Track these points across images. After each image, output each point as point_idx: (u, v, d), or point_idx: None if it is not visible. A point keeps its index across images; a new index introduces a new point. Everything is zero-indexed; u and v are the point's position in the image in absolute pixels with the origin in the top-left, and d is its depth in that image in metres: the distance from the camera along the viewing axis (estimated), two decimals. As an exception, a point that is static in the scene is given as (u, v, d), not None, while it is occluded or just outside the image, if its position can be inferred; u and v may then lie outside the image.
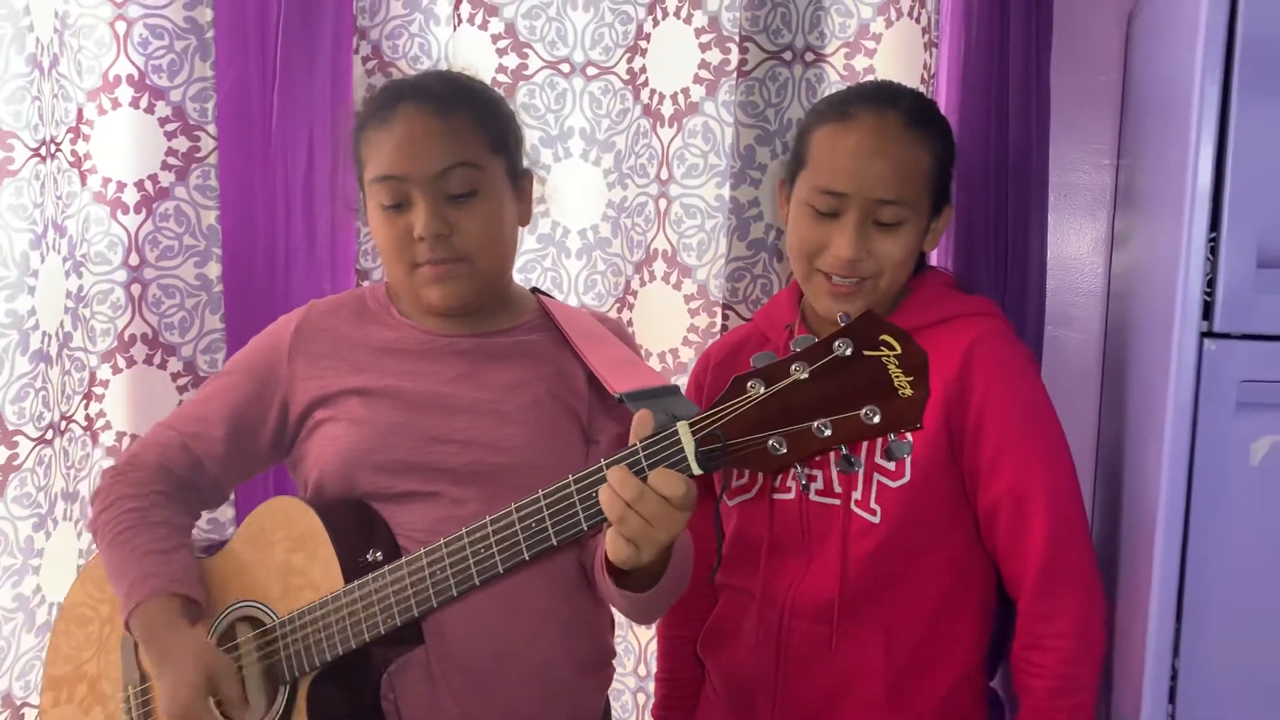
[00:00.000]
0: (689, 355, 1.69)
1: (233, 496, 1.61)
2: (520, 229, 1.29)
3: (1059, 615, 1.19)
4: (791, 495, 1.27)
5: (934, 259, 1.47)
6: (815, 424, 0.92)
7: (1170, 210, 1.14)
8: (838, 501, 1.25)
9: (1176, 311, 1.08)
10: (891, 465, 1.23)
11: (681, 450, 0.97)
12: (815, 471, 1.26)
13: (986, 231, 1.52)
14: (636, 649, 1.74)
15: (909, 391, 0.90)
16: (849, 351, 0.91)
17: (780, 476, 1.28)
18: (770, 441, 0.94)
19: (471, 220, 1.19)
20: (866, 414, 0.91)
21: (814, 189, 1.25)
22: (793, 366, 0.93)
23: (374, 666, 1.15)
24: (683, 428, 0.97)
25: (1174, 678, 1.11)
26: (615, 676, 1.73)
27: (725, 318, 1.64)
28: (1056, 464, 1.22)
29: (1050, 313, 1.60)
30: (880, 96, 1.27)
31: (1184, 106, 1.09)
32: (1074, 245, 1.67)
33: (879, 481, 1.23)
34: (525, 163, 1.30)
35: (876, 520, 1.23)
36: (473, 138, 1.20)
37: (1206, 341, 1.07)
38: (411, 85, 1.24)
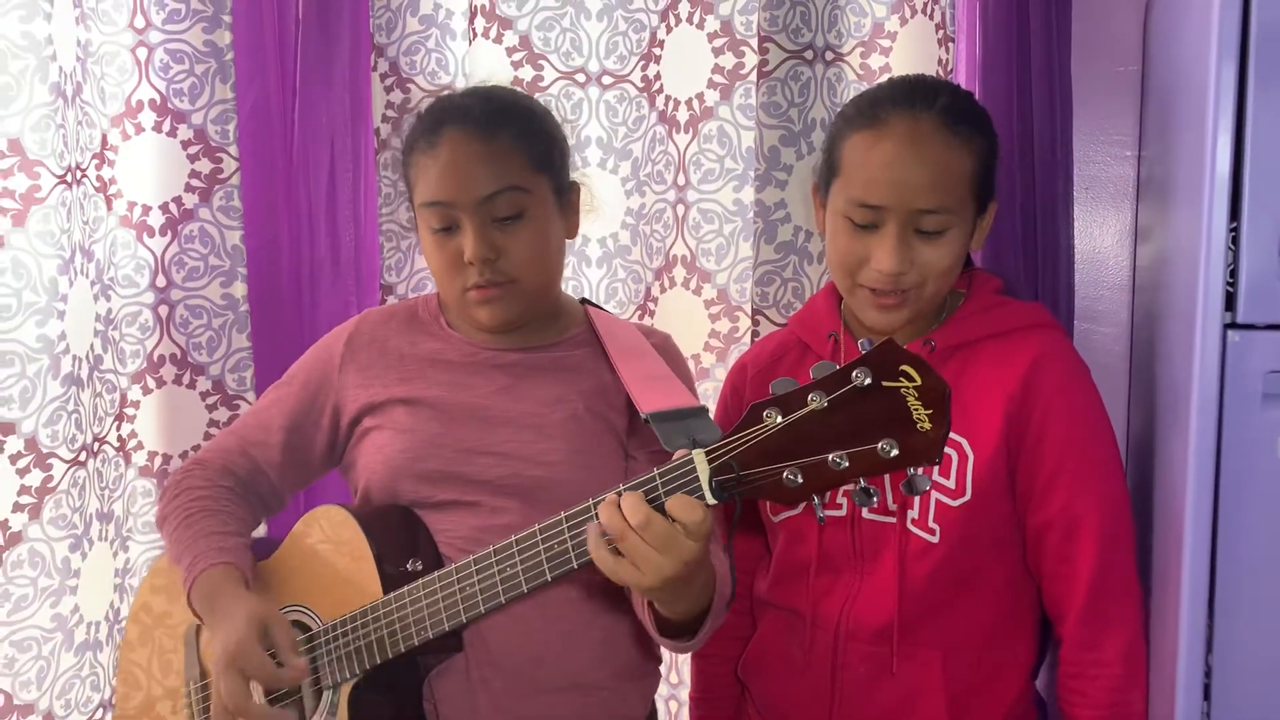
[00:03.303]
0: (710, 360, 1.69)
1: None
2: (568, 240, 1.29)
3: (1106, 643, 1.17)
4: (843, 512, 1.23)
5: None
6: (832, 456, 0.90)
7: (1190, 201, 1.12)
8: (893, 520, 1.21)
9: (1199, 303, 1.06)
10: (932, 491, 1.18)
11: (697, 479, 0.96)
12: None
13: (1014, 228, 1.50)
14: (668, 655, 1.74)
15: (928, 426, 0.88)
16: (868, 381, 0.88)
17: (830, 493, 1.26)
18: (786, 473, 0.92)
19: (518, 243, 1.20)
20: (884, 447, 0.88)
21: (850, 201, 1.19)
22: (810, 396, 0.90)
23: (415, 672, 1.17)
24: (698, 456, 0.96)
25: (1208, 674, 1.09)
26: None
27: (756, 323, 1.63)
28: (1111, 488, 1.19)
29: (1078, 307, 1.58)
30: (913, 97, 1.19)
31: (1200, 95, 1.07)
32: (1099, 239, 1.65)
33: (938, 500, 1.19)
34: (572, 174, 1.30)
35: (935, 540, 1.19)
36: (517, 159, 1.20)
37: (1230, 333, 1.05)
38: (455, 108, 1.24)
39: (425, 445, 1.21)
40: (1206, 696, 1.09)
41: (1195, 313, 1.06)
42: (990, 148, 1.23)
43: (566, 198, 1.28)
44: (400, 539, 1.19)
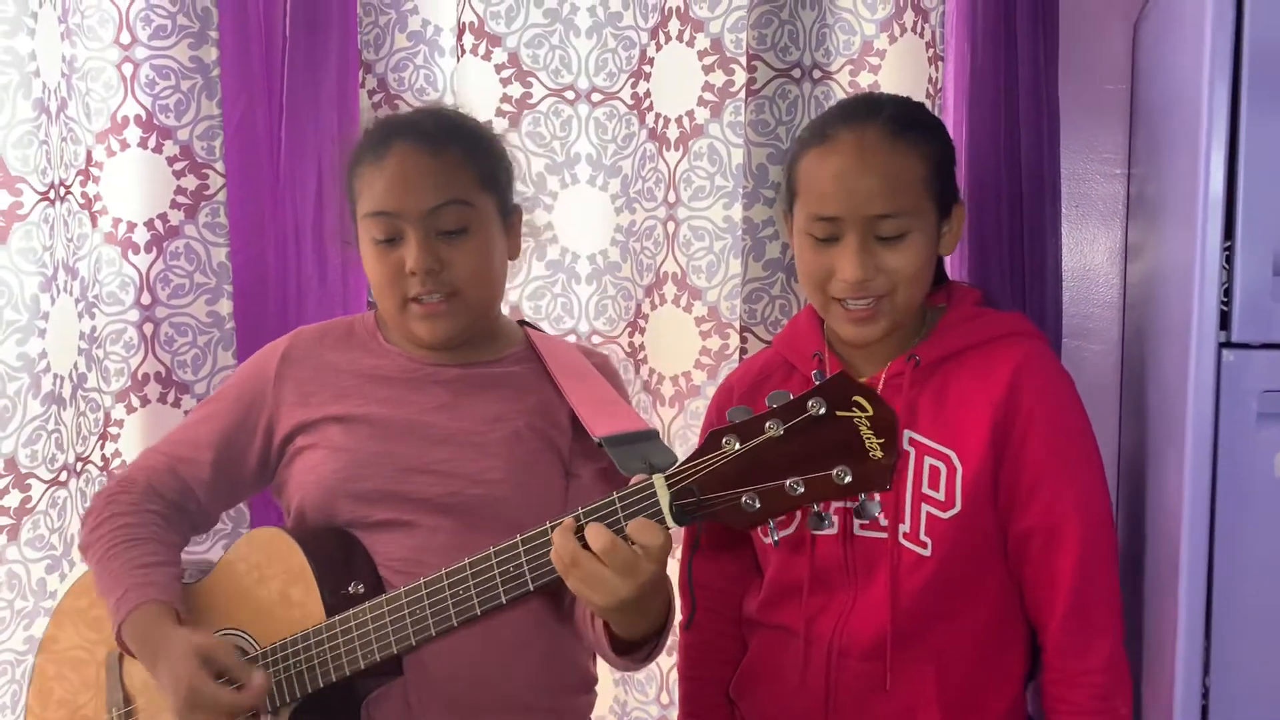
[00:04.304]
0: (701, 378, 1.68)
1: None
2: (510, 262, 1.30)
3: (1089, 650, 1.17)
4: (834, 530, 1.24)
5: (948, 274, 1.45)
6: (788, 481, 0.94)
7: (1183, 219, 1.12)
8: (884, 535, 1.21)
9: (1194, 322, 1.06)
10: (881, 519, 1.21)
11: (657, 503, 0.99)
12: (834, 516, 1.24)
13: (1001, 246, 1.50)
14: (659, 676, 1.72)
15: (879, 455, 0.92)
16: (822, 411, 0.92)
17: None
18: (744, 498, 0.95)
19: (462, 256, 1.20)
20: (838, 474, 0.92)
21: (808, 217, 1.23)
22: (767, 424, 0.94)
23: (354, 697, 1.16)
24: (658, 481, 0.99)
25: (1205, 696, 1.09)
26: (638, 704, 1.73)
27: (744, 340, 1.63)
28: (1092, 494, 1.19)
29: (1067, 325, 1.58)
30: (856, 112, 1.24)
31: (1193, 114, 1.07)
32: (1088, 257, 1.65)
33: (928, 513, 1.20)
34: (515, 198, 1.31)
35: (927, 553, 1.20)
36: (464, 175, 1.22)
37: (1225, 352, 1.05)
38: (405, 123, 1.26)
39: (362, 464, 1.20)
40: (1204, 718, 1.09)
41: (1190, 332, 1.06)
42: (943, 151, 1.25)
43: (510, 220, 1.28)
44: (340, 561, 1.18)
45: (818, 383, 0.93)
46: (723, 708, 1.39)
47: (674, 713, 1.62)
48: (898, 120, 1.22)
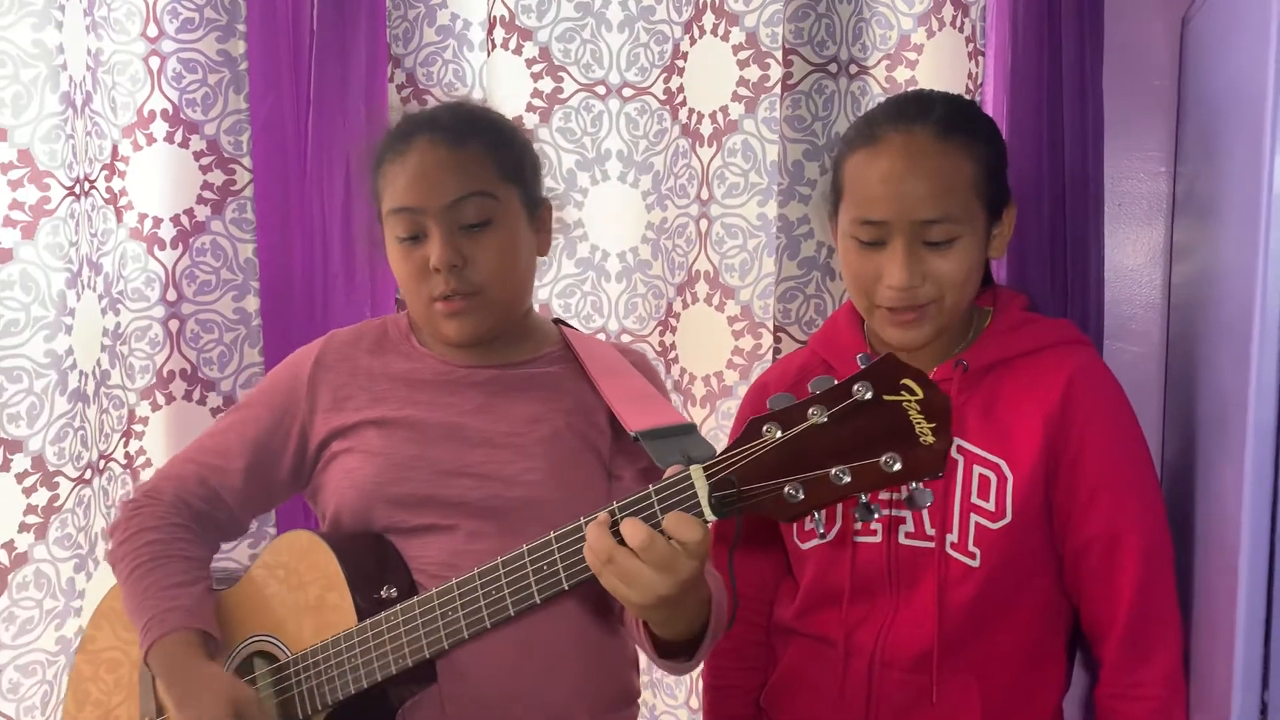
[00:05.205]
0: (733, 378, 1.66)
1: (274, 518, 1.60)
2: (539, 258, 1.27)
3: (1148, 664, 1.14)
4: (878, 539, 1.21)
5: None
6: (834, 470, 0.89)
7: (1243, 219, 1.09)
8: (931, 544, 1.18)
9: (1255, 325, 1.02)
10: (925, 513, 1.17)
11: (695, 496, 0.93)
12: (904, 514, 1.20)
13: (1042, 245, 1.47)
14: (688, 680, 1.69)
15: (931, 439, 0.87)
16: (869, 395, 0.87)
17: (855, 518, 1.22)
18: (787, 488, 0.90)
19: (486, 251, 1.17)
20: (887, 461, 0.87)
21: (854, 220, 1.19)
22: (810, 410, 0.89)
23: (388, 705, 1.13)
24: (696, 472, 0.94)
25: (1264, 711, 1.05)
26: (667, 709, 1.70)
27: (778, 340, 1.60)
28: (1151, 505, 1.17)
29: (1107, 326, 1.55)
30: (906, 112, 1.19)
31: (1255, 111, 1.04)
32: (1130, 256, 1.61)
33: (977, 523, 1.17)
34: (543, 192, 1.28)
35: (975, 564, 1.17)
36: (486, 167, 1.19)
37: (1287, 355, 1.02)
38: (425, 118, 1.23)
39: (399, 468, 1.18)
40: (1262, 733, 1.06)
41: (1251, 335, 1.03)
42: (995, 153, 1.22)
43: (537, 213, 1.25)
44: (374, 565, 1.16)
45: (863, 366, 0.88)
46: (750, 717, 1.36)
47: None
48: (949, 121, 1.18)
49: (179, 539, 1.21)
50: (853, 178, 1.20)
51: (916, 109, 1.19)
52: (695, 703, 1.70)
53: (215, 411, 1.65)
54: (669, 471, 0.96)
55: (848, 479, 0.88)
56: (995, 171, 1.21)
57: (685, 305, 1.69)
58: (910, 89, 1.51)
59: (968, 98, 1.31)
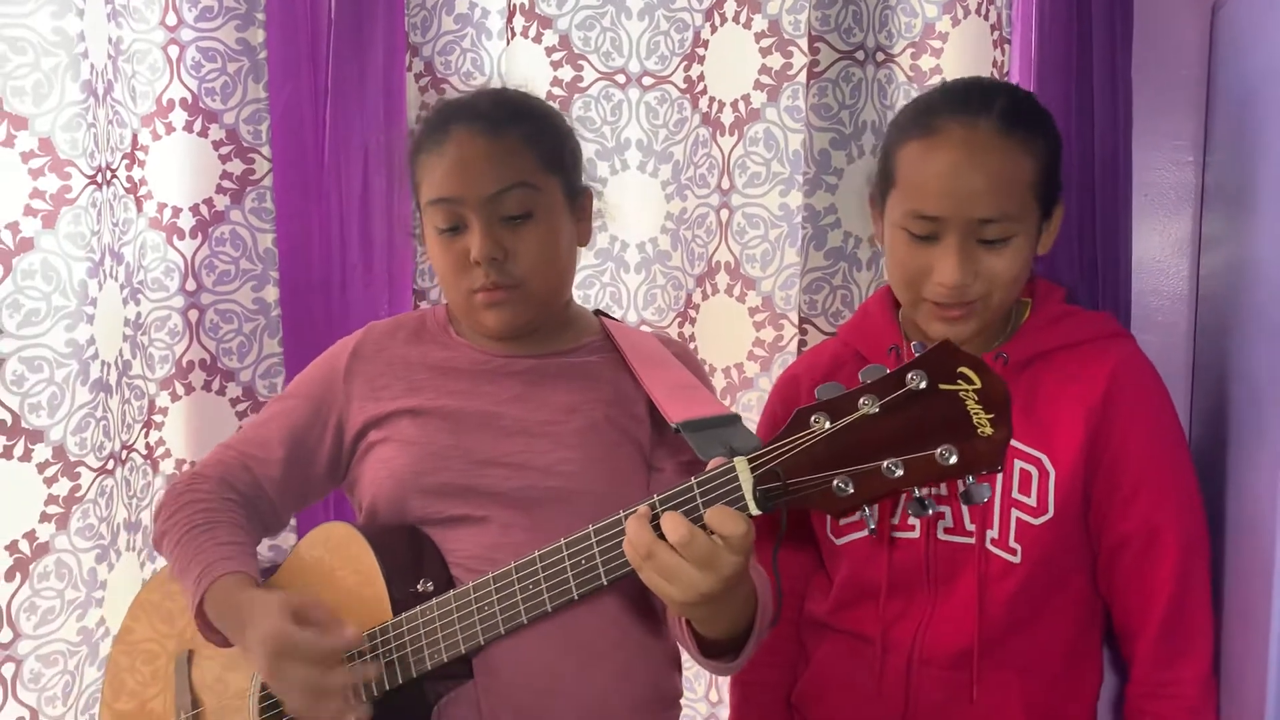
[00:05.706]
0: (754, 370, 1.64)
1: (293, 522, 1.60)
2: (579, 248, 1.25)
3: (1183, 662, 1.13)
4: (916, 534, 1.19)
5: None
6: (885, 463, 0.85)
7: (1276, 209, 1.07)
8: (971, 540, 1.17)
9: (1290, 317, 1.01)
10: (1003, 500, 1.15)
11: (739, 489, 0.90)
12: (944, 508, 1.19)
13: (1069, 235, 1.45)
14: (708, 675, 1.69)
15: (989, 430, 0.82)
16: (923, 385, 0.83)
17: (901, 514, 1.20)
18: (835, 481, 0.86)
19: (526, 243, 1.16)
20: (942, 454, 0.83)
21: (907, 213, 1.15)
22: (861, 400, 0.85)
23: (425, 701, 1.12)
24: (740, 464, 0.90)
25: (1296, 711, 1.04)
26: (686, 702, 1.69)
27: (804, 331, 1.58)
28: (1190, 503, 1.16)
29: (1134, 317, 1.53)
30: (969, 103, 1.14)
31: (1291, 99, 1.02)
32: (1156, 246, 1.59)
33: (1018, 518, 1.15)
34: (584, 179, 1.26)
35: (1017, 560, 1.15)
36: (526, 157, 1.17)
37: (1324, 349, 1.00)
38: (463, 106, 1.21)
39: (434, 457, 1.16)
40: (1294, 732, 1.04)
41: (1286, 327, 1.01)
42: (1053, 149, 1.18)
43: (578, 202, 1.23)
44: (409, 558, 1.14)
45: (917, 354, 0.84)
46: (782, 714, 1.35)
47: (723, 711, 1.59)
48: (1011, 115, 1.14)
49: (229, 509, 1.21)
50: (908, 168, 1.16)
51: (980, 100, 1.15)
52: (715, 696, 1.69)
53: (234, 402, 1.65)
54: (712, 464, 0.93)
55: (900, 472, 0.84)
56: (1052, 169, 1.18)
57: (705, 296, 1.68)
58: (948, 79, 1.48)
59: (1026, 90, 1.26)
